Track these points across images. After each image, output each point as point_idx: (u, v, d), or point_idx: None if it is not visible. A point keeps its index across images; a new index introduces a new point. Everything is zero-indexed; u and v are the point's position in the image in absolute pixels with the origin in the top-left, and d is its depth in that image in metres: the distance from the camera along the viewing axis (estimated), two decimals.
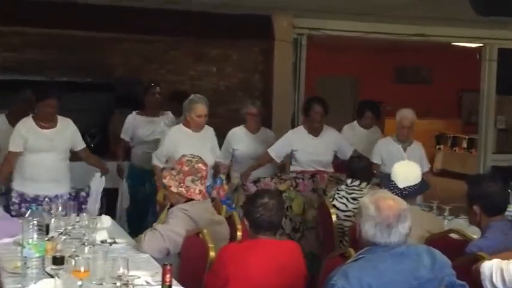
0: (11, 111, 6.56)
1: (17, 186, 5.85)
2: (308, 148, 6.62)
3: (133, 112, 7.14)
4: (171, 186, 4.47)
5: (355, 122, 7.64)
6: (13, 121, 6.25)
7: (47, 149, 5.81)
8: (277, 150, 6.64)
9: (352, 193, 5.59)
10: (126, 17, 9.11)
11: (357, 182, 5.64)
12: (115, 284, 3.47)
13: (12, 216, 5.39)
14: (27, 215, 3.74)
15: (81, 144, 6.09)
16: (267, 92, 10.04)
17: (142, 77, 9.57)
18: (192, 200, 4.45)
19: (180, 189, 4.44)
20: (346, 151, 6.73)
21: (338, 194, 5.67)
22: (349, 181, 5.69)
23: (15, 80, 8.00)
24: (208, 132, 6.32)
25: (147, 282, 3.63)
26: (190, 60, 10.13)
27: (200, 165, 4.53)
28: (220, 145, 6.68)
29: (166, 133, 6.35)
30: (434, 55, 14.38)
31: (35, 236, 3.62)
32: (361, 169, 5.70)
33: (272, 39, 9.74)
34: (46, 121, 5.83)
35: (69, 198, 5.76)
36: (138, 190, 6.89)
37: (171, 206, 4.55)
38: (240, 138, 6.95)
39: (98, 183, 5.70)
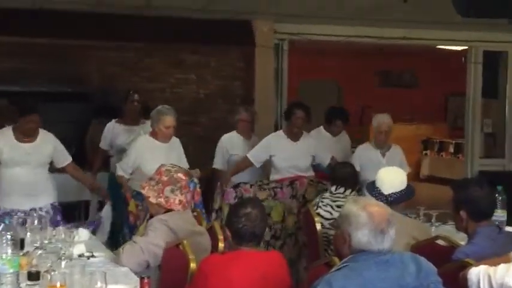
0: None
1: None
2: (286, 153, 6.64)
3: (113, 120, 7.08)
4: (149, 197, 4.38)
5: (321, 128, 7.67)
6: None
7: (21, 162, 5.72)
8: (256, 155, 6.68)
9: (337, 201, 5.51)
10: (99, 24, 9.00)
11: (342, 190, 5.56)
12: None
13: None
14: (0, 230, 3.65)
15: (66, 160, 5.98)
16: (248, 99, 9.97)
17: (118, 86, 9.46)
18: (171, 210, 4.35)
19: (159, 199, 4.35)
20: (324, 158, 6.82)
21: (322, 202, 5.59)
22: (333, 188, 5.61)
23: None
24: (175, 142, 6.33)
25: None
26: (167, 67, 10.02)
27: (180, 174, 4.44)
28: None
29: (132, 144, 6.36)
30: (419, 59, 14.38)
31: (9, 251, 3.53)
32: (345, 176, 5.62)
33: (253, 44, 9.67)
34: (27, 135, 5.74)
35: (49, 211, 5.75)
36: (118, 200, 6.77)
37: (151, 217, 4.45)
38: (237, 144, 7.04)
39: (107, 212, 5.68)
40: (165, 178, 4.39)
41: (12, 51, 9.26)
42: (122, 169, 6.22)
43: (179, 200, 4.38)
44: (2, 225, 3.69)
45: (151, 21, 9.16)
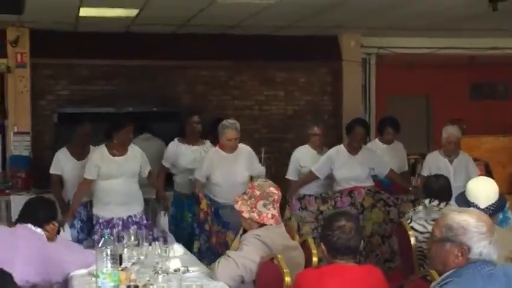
0: (72, 143, 6.93)
1: (96, 211, 6.37)
2: (345, 165, 7.08)
3: (175, 139, 7.31)
4: (243, 212, 4.39)
5: (376, 140, 8.03)
6: (75, 153, 6.81)
7: (117, 175, 6.33)
8: (320, 169, 7.17)
9: (431, 214, 5.39)
10: (188, 44, 9.22)
11: (436, 202, 5.44)
12: None
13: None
14: (100, 245, 3.75)
15: (147, 169, 6.61)
16: (337, 114, 9.92)
17: (208, 104, 9.62)
18: (264, 225, 4.37)
19: (251, 214, 4.36)
20: (382, 170, 7.27)
21: (416, 215, 5.49)
22: (427, 201, 5.49)
23: (84, 113, 8.26)
24: (243, 151, 6.82)
25: None
26: (256, 84, 10.11)
27: (272, 188, 4.43)
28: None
29: (205, 155, 6.89)
30: (511, 69, 13.98)
31: (109, 265, 3.62)
32: (438, 188, 5.51)
33: (340, 59, 9.64)
34: (121, 148, 6.35)
35: (142, 218, 6.36)
36: (183, 217, 7.13)
37: (244, 231, 4.47)
38: (308, 157, 7.42)
39: (163, 220, 6.68)
40: (257, 192, 4.40)
41: (105, 74, 9.54)
42: (198, 175, 6.74)
43: (272, 215, 4.37)
44: (102, 240, 3.78)
45: (240, 40, 9.28)
